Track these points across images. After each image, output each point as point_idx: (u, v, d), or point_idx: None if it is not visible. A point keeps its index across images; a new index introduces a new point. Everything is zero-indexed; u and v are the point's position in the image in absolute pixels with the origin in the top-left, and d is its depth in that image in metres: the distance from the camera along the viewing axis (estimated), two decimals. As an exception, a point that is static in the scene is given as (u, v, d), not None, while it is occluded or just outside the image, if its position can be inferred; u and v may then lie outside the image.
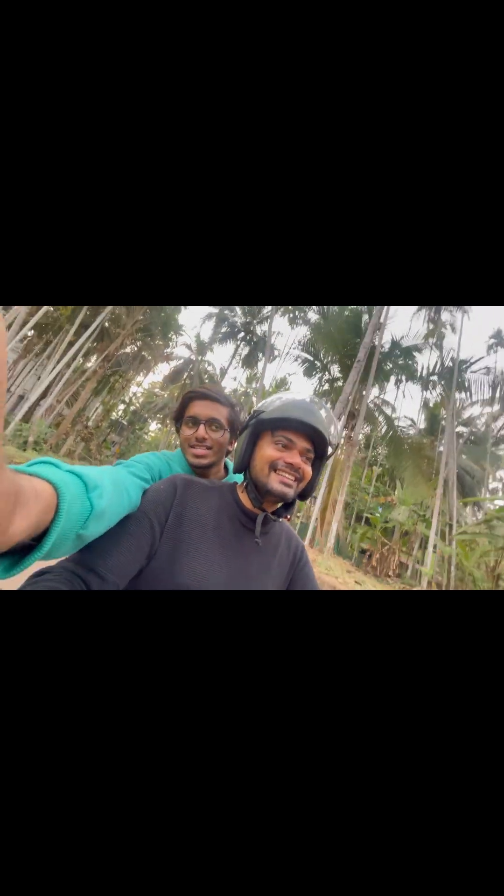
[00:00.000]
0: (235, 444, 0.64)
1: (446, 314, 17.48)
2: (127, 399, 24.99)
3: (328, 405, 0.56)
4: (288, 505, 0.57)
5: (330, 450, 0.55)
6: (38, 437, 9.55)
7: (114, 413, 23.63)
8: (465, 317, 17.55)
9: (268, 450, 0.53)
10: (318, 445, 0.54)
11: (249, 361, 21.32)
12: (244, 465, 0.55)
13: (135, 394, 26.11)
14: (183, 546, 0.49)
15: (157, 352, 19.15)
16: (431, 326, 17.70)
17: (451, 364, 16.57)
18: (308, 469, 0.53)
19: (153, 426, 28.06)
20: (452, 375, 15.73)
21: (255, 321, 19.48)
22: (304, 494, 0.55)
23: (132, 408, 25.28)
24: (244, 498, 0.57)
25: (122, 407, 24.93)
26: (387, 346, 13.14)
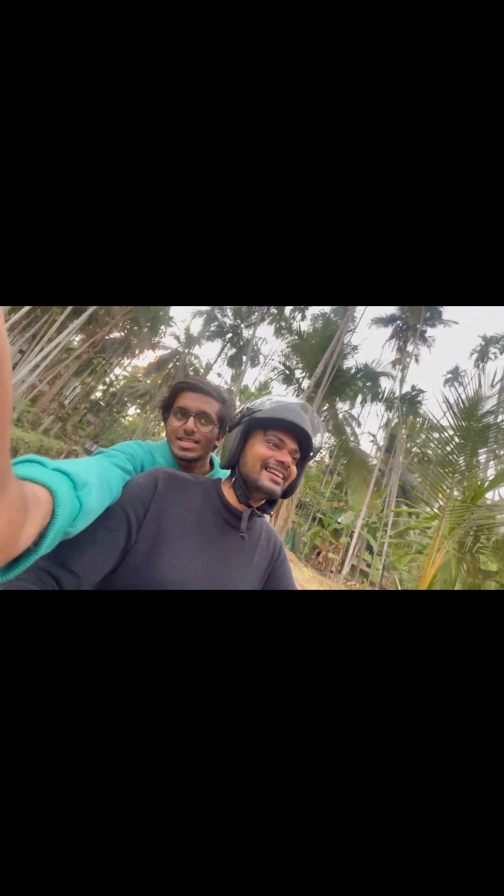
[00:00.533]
0: (223, 440, 0.62)
1: (411, 346, 19.54)
2: (108, 380, 24.88)
3: (315, 412, 0.57)
4: (271, 502, 0.58)
5: (313, 452, 0.58)
6: (20, 414, 9.95)
7: (93, 394, 23.52)
8: (428, 350, 19.74)
9: (260, 448, 0.54)
10: (304, 447, 0.56)
11: (234, 362, 22.28)
12: (234, 462, 0.57)
13: (116, 376, 25.98)
14: (163, 541, 0.49)
15: (143, 339, 19.53)
16: (398, 356, 19.73)
17: (409, 391, 18.67)
18: (294, 469, 0.56)
19: (132, 410, 28.10)
20: (404, 404, 17.77)
21: (242, 324, 20.44)
22: (287, 492, 0.57)
23: (112, 389, 25.18)
24: (229, 494, 0.58)
25: (101, 388, 24.79)
26: (352, 371, 14.74)
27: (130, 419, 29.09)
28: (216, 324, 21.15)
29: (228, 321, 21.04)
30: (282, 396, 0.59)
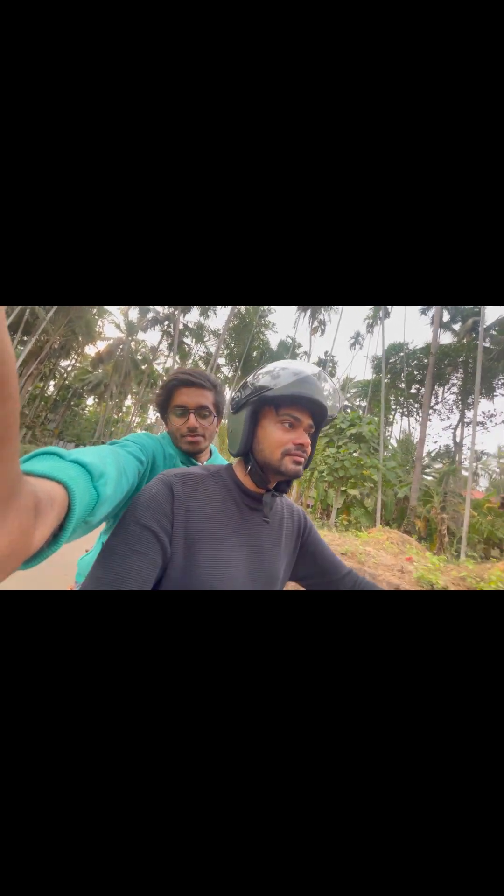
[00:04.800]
0: (229, 424, 0.58)
1: (322, 314, 22.72)
2: (56, 376, 25.85)
3: (329, 376, 0.54)
4: (288, 480, 0.55)
5: (327, 420, 0.54)
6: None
7: (46, 392, 24.72)
8: (335, 317, 22.98)
9: (276, 432, 0.51)
10: (318, 418, 0.53)
11: (172, 348, 24.41)
12: (248, 448, 0.53)
13: (65, 368, 26.79)
14: (197, 545, 0.48)
15: (83, 342, 21.01)
16: (315, 324, 22.93)
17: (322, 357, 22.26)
18: (310, 447, 0.53)
19: (90, 401, 29.41)
20: (321, 366, 21.76)
21: (175, 312, 22.28)
22: (304, 466, 0.54)
23: (66, 382, 26.21)
24: (245, 479, 0.55)
25: (52, 384, 25.78)
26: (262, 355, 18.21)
27: (91, 409, 30.38)
28: (151, 314, 22.76)
29: (162, 310, 22.70)
30: (294, 365, 0.51)
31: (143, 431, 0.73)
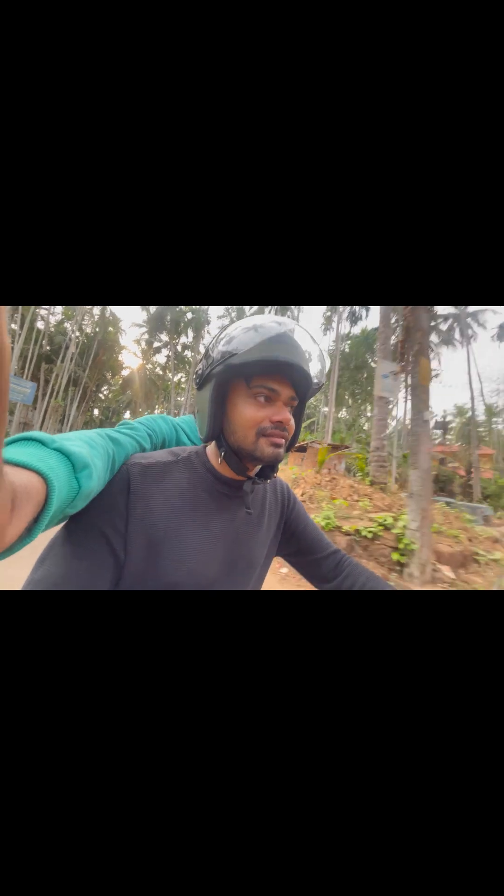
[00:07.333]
0: (195, 402, 0.51)
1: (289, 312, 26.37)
2: (98, 400, 34.14)
3: (308, 330, 0.45)
4: (271, 465, 0.48)
5: (314, 389, 0.45)
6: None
7: (93, 415, 33.03)
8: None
9: (248, 409, 0.42)
10: (301, 387, 0.44)
11: (177, 367, 30.40)
12: (217, 431, 0.44)
13: (105, 392, 35.11)
14: (161, 542, 0.41)
15: (111, 376, 28.21)
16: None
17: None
18: (293, 423, 0.44)
19: (126, 415, 37.41)
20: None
21: (174, 336, 28.01)
22: (288, 447, 0.46)
23: (104, 405, 34.51)
24: (219, 466, 0.47)
25: (97, 408, 34.22)
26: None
27: (128, 421, 38.50)
28: (156, 344, 28.86)
29: (164, 337, 28.64)
30: (258, 322, 0.41)
31: (161, 414, 0.69)
